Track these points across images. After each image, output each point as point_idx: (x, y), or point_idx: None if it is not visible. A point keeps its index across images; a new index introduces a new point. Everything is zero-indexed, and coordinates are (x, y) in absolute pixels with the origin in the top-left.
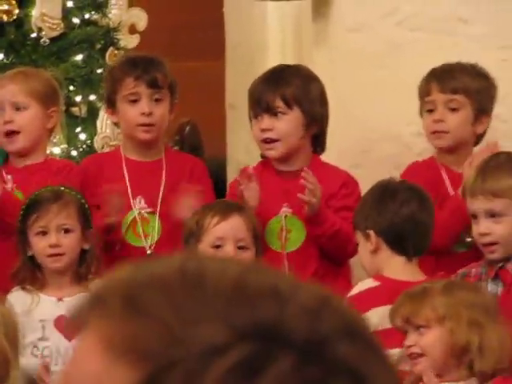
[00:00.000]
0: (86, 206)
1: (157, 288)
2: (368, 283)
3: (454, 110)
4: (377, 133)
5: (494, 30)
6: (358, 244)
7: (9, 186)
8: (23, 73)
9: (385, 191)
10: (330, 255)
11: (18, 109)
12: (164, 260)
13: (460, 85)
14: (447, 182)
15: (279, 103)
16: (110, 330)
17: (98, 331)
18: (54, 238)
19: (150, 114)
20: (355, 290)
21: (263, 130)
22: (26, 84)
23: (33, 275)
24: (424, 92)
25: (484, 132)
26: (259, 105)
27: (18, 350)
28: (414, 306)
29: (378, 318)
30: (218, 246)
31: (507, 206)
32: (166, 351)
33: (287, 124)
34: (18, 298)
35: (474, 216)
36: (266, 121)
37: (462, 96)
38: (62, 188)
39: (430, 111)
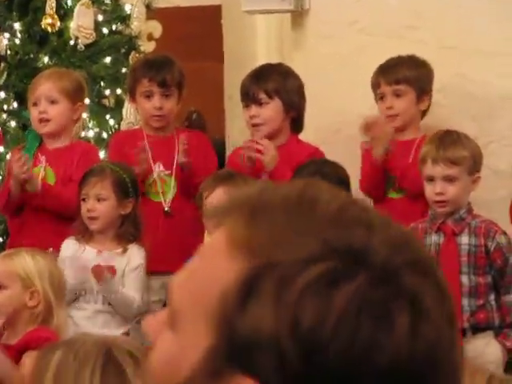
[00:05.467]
0: (127, 179)
1: (277, 204)
2: None
3: (399, 96)
4: (345, 116)
5: (435, 34)
6: None
7: (42, 164)
8: (57, 73)
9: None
10: None
11: (51, 102)
12: (289, 184)
13: (401, 76)
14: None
15: (262, 95)
16: (234, 231)
17: (226, 231)
18: (91, 204)
19: (160, 108)
20: None
21: (251, 117)
22: (59, 82)
23: (85, 229)
24: (375, 85)
25: (428, 107)
26: (247, 97)
27: (63, 296)
28: None
29: None
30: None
31: (461, 172)
32: (272, 253)
33: (270, 111)
34: (69, 244)
35: (431, 178)
36: (253, 109)
37: (404, 85)
38: (105, 164)
39: (382, 99)
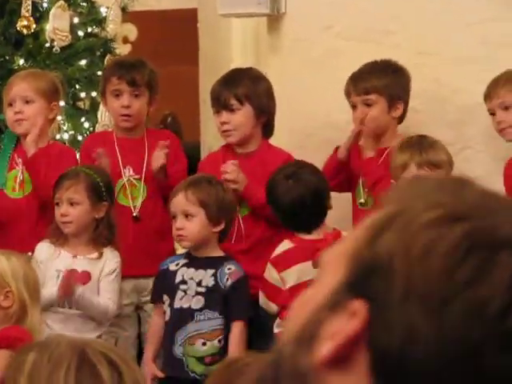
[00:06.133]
0: (101, 183)
1: (435, 191)
2: (285, 245)
3: (369, 105)
4: (318, 121)
5: (412, 39)
6: None
7: (19, 167)
8: (32, 73)
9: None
10: (271, 220)
11: (26, 102)
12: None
13: (370, 86)
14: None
15: (233, 101)
16: (377, 212)
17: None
18: (64, 208)
19: (128, 107)
20: (277, 251)
21: (222, 123)
22: (34, 82)
23: (59, 233)
24: (347, 94)
25: (402, 114)
26: (218, 103)
27: (37, 297)
28: None
29: (298, 273)
30: (173, 217)
31: (443, 175)
32: (408, 201)
33: (241, 117)
34: (44, 247)
35: None
36: (224, 116)
37: (373, 95)
38: (79, 168)
39: (354, 108)
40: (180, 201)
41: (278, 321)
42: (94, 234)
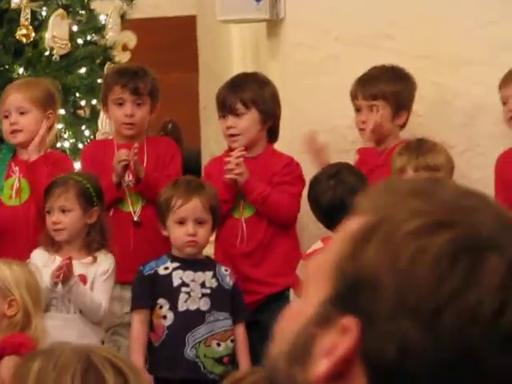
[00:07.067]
0: (91, 188)
1: (400, 189)
2: (318, 245)
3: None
4: (319, 126)
5: (411, 44)
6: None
7: (16, 175)
8: (26, 83)
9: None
10: (270, 219)
11: (21, 113)
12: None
13: (378, 91)
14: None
15: (239, 106)
16: (363, 208)
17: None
18: (56, 216)
19: (132, 116)
20: (309, 250)
21: (228, 128)
22: (28, 92)
23: (52, 241)
24: (353, 96)
25: (405, 123)
26: (224, 107)
27: (40, 304)
28: None
29: None
30: (181, 223)
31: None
32: (388, 210)
33: (247, 122)
34: (39, 254)
35: None
36: (230, 120)
37: (380, 100)
38: (67, 175)
39: (358, 111)
40: (196, 207)
41: None
42: (86, 239)
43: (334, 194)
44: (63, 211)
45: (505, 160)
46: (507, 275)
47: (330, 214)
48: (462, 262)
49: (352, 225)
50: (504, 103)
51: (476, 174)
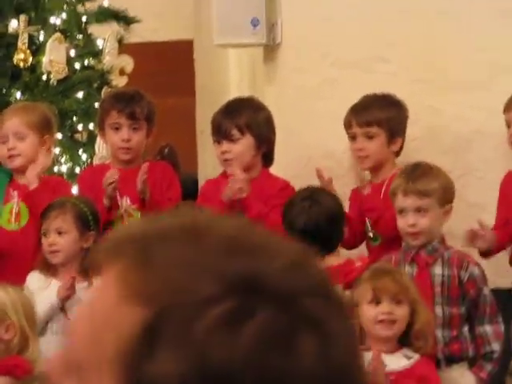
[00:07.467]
0: (88, 212)
1: (165, 240)
2: None
3: (370, 138)
4: (315, 151)
5: (406, 67)
6: None
7: (15, 199)
8: (23, 107)
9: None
10: None
11: (19, 138)
12: (174, 215)
13: (372, 118)
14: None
15: (234, 131)
16: (124, 272)
17: (115, 271)
18: (52, 238)
19: (128, 141)
20: None
21: (223, 153)
22: (26, 117)
23: (48, 264)
24: (346, 125)
25: (400, 148)
26: (219, 133)
27: (35, 326)
28: None
29: None
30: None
31: (432, 203)
32: (169, 298)
33: (241, 147)
34: (34, 278)
35: (401, 211)
36: (225, 145)
37: (375, 127)
38: (65, 198)
39: (353, 139)
40: None
41: None
42: (83, 264)
43: (309, 216)
44: (59, 233)
45: (509, 179)
46: None
47: (305, 237)
48: (274, 348)
49: (123, 317)
50: (508, 126)
51: (475, 198)
